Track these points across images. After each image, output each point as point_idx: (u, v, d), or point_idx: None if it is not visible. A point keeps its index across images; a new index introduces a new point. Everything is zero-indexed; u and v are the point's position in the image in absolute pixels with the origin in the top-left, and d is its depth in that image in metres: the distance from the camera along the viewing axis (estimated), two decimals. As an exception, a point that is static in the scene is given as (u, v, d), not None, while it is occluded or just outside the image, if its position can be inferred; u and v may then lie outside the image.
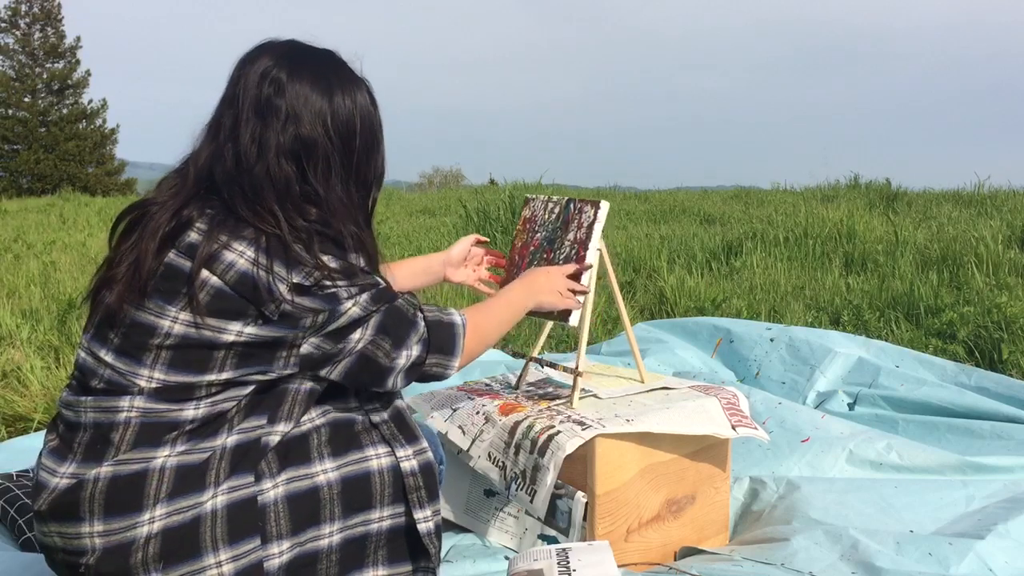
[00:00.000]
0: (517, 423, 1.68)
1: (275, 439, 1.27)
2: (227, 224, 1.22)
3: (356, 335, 1.26)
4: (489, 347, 1.48)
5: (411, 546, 1.35)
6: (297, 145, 1.27)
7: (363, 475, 1.32)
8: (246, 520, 1.22)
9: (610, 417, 1.65)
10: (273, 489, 1.25)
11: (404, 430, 1.37)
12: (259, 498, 1.23)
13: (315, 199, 1.28)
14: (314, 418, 1.32)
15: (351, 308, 1.25)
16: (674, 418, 1.70)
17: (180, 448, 1.21)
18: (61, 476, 1.21)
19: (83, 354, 1.27)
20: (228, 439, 1.23)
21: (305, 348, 1.25)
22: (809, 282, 4.93)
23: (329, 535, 1.28)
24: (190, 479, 1.20)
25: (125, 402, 1.21)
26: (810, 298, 4.51)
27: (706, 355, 3.20)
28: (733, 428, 1.76)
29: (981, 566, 1.60)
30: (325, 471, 1.29)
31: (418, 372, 1.34)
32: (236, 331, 1.20)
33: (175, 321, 1.20)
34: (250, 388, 1.25)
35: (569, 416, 1.67)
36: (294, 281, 1.20)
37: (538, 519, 1.68)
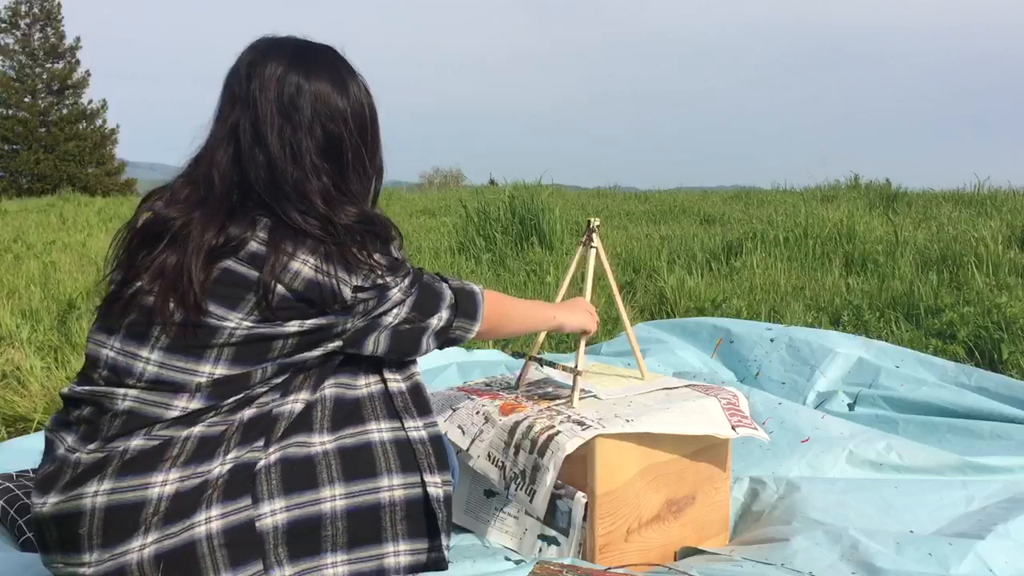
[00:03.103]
0: (517, 423, 1.68)
1: (287, 408, 1.31)
2: (288, 235, 1.26)
3: (393, 312, 1.35)
4: (508, 329, 1.60)
5: (427, 519, 1.37)
6: (327, 144, 1.31)
7: (364, 446, 1.35)
8: (239, 486, 1.26)
9: (610, 417, 1.65)
10: (266, 458, 1.29)
11: (419, 403, 1.43)
12: (257, 465, 1.27)
13: (349, 196, 1.32)
14: (323, 388, 1.36)
15: (395, 294, 1.34)
16: (674, 418, 1.70)
17: (208, 422, 1.25)
18: (87, 451, 1.24)
19: (111, 353, 1.27)
20: (246, 412, 1.28)
21: (349, 330, 1.32)
22: (809, 282, 4.93)
23: (331, 499, 1.30)
24: (205, 453, 1.24)
25: (180, 400, 1.24)
26: (810, 298, 4.51)
27: (706, 355, 3.20)
28: (733, 428, 1.76)
29: (981, 566, 1.60)
30: (323, 442, 1.33)
31: (445, 335, 1.43)
32: (298, 324, 1.27)
33: (239, 325, 1.24)
34: (291, 371, 1.31)
35: (569, 416, 1.67)
36: (355, 284, 1.28)
37: (538, 519, 1.68)
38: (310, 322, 1.27)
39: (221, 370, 1.25)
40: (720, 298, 4.45)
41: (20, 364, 3.27)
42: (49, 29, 31.74)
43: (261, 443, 1.28)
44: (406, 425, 1.40)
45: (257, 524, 1.24)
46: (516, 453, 1.66)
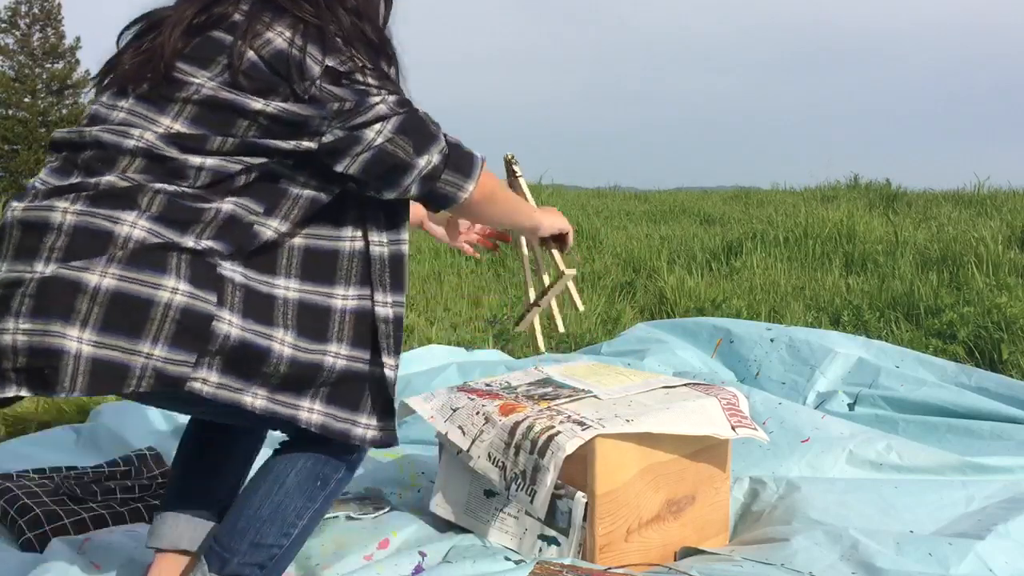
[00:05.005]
0: (517, 423, 1.68)
1: (268, 232, 1.28)
2: (268, 7, 1.26)
3: (377, 127, 1.26)
4: (494, 211, 1.49)
5: (363, 394, 1.37)
6: None
7: (324, 308, 1.33)
8: (208, 281, 1.23)
9: (610, 417, 1.66)
10: (231, 271, 1.26)
11: (395, 276, 1.38)
12: (222, 271, 1.25)
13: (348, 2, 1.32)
14: (295, 233, 1.32)
15: (378, 104, 1.26)
16: (674, 418, 1.70)
17: (179, 188, 1.23)
18: (61, 181, 1.25)
19: (96, 106, 1.31)
20: (224, 205, 1.25)
21: (327, 138, 1.26)
22: (809, 282, 4.94)
23: (280, 341, 1.28)
24: (178, 219, 1.22)
25: (136, 131, 1.25)
26: (810, 298, 4.52)
27: (706, 355, 3.20)
28: (733, 429, 1.76)
29: (981, 566, 1.60)
30: (287, 287, 1.31)
31: (431, 185, 1.32)
32: (264, 102, 1.23)
33: (204, 83, 1.24)
34: (261, 160, 1.26)
35: (569, 416, 1.67)
36: (328, 64, 1.23)
37: (538, 519, 1.68)
38: (277, 103, 1.24)
39: (179, 127, 1.24)
40: (720, 298, 4.45)
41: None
42: (49, 29, 31.72)
43: (234, 250, 1.26)
44: (375, 297, 1.36)
45: (213, 324, 1.22)
46: (516, 454, 1.66)
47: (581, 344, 3.70)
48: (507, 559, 1.65)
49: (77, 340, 1.16)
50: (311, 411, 1.33)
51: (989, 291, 4.19)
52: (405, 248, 1.40)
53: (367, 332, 1.36)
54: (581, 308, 1.82)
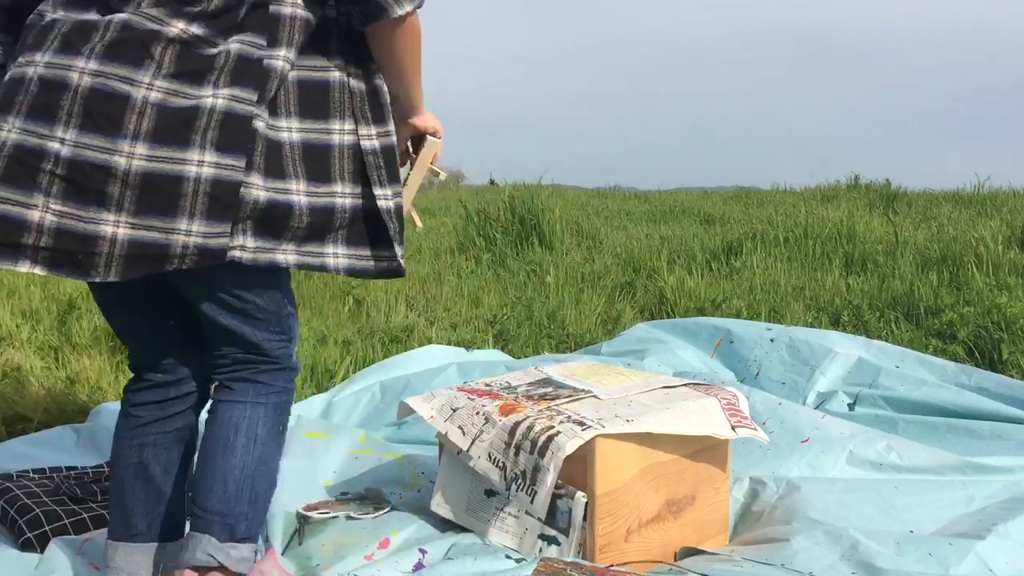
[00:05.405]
0: (517, 423, 1.69)
1: (278, 63, 1.28)
2: None
3: None
4: (405, 58, 1.40)
5: (372, 229, 1.39)
6: None
7: (324, 146, 1.34)
8: (239, 134, 1.23)
9: (610, 417, 1.66)
10: (261, 119, 1.25)
11: (374, 107, 1.39)
12: (255, 122, 1.25)
13: None
14: (291, 63, 1.31)
15: None
16: (674, 419, 1.70)
17: (189, 32, 1.22)
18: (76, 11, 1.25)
19: None
20: (231, 45, 1.24)
21: None
22: (809, 282, 4.93)
23: (296, 192, 1.30)
24: (193, 70, 1.22)
25: None
26: (810, 298, 4.51)
27: (706, 355, 3.19)
28: (733, 429, 1.76)
29: (981, 567, 1.60)
30: (290, 128, 1.31)
31: None
32: None
33: None
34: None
35: (569, 416, 1.67)
36: None
37: (539, 519, 1.68)
38: None
39: None
40: (720, 298, 4.45)
41: (20, 364, 3.27)
42: (49, 29, 31.74)
43: (254, 96, 1.25)
44: (359, 131, 1.37)
45: (243, 191, 1.23)
46: (516, 454, 1.66)
47: (581, 344, 3.71)
48: (508, 557, 1.65)
49: (113, 224, 1.18)
50: (336, 256, 1.37)
51: (989, 291, 4.18)
52: (381, 81, 1.40)
53: (363, 168, 1.38)
54: (419, 226, 1.70)
